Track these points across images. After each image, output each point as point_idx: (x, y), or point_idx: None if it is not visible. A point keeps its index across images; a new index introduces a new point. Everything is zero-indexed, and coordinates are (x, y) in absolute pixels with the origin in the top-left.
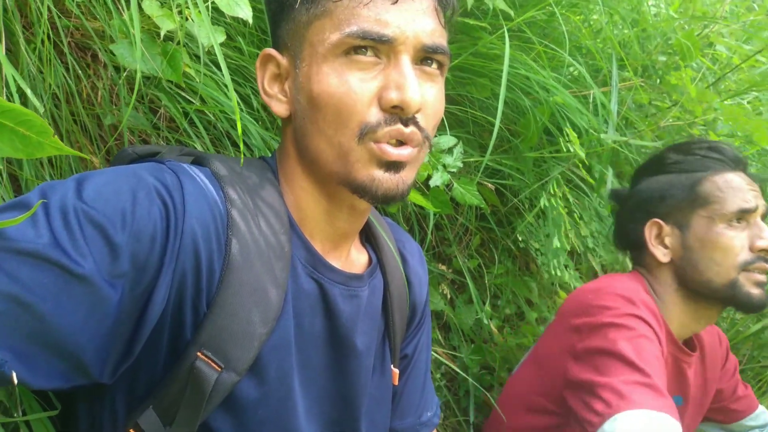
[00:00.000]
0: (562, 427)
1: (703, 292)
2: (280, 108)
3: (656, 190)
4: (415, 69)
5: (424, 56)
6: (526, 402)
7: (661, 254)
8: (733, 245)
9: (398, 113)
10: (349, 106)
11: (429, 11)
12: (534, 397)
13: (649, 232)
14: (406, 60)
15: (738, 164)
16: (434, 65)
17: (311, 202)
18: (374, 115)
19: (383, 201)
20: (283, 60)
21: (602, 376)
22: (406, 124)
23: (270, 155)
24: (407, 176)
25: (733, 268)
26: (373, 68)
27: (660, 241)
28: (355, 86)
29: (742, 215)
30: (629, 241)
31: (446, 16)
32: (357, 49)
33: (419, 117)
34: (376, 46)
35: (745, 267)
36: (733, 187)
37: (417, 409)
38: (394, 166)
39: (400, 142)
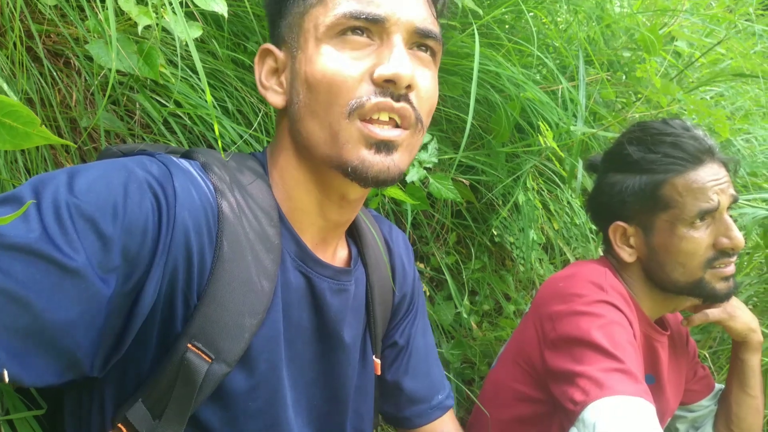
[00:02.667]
0: (549, 415)
1: (670, 288)
2: (276, 99)
3: (618, 193)
4: (408, 52)
5: (417, 40)
6: (510, 393)
7: (627, 255)
8: (697, 247)
9: (390, 87)
10: (339, 83)
11: (421, 1)
12: (518, 386)
13: (614, 233)
14: (398, 39)
15: (703, 156)
16: (427, 52)
17: (303, 193)
18: (364, 90)
19: (374, 184)
20: (280, 54)
21: (579, 365)
22: (397, 100)
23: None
24: (401, 160)
25: (698, 268)
26: (367, 48)
27: (625, 241)
28: (346, 63)
29: (705, 215)
30: (599, 231)
31: (437, 8)
32: (351, 30)
33: (412, 96)
34: (368, 26)
35: (710, 265)
36: (694, 189)
37: (427, 393)
38: (384, 146)
39: (394, 123)
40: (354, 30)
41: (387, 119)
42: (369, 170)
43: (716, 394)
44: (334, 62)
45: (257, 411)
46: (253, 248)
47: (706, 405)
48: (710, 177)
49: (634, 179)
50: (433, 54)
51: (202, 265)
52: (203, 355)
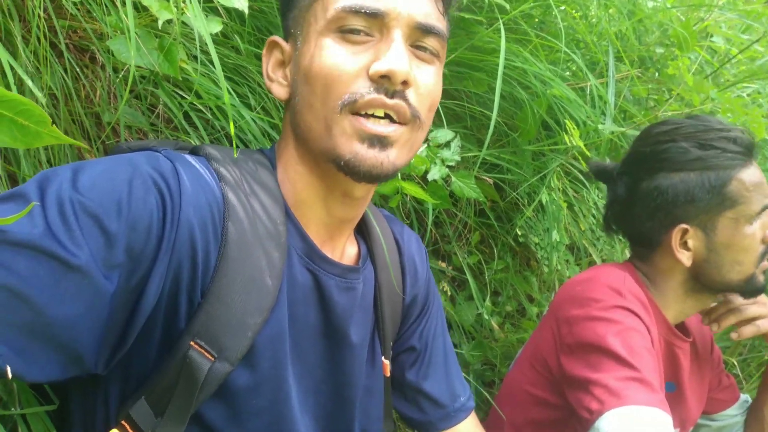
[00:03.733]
0: (564, 421)
1: (719, 288)
2: (280, 91)
3: (682, 193)
4: (408, 49)
5: (419, 36)
6: (525, 396)
7: (686, 258)
8: (755, 243)
9: (385, 83)
10: (334, 77)
11: None
12: (533, 390)
13: (676, 237)
14: (398, 34)
15: (753, 150)
16: (428, 52)
17: (307, 187)
18: (360, 85)
19: (367, 178)
20: (286, 46)
21: (594, 372)
22: (391, 96)
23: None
24: (397, 157)
25: (752, 264)
26: (366, 43)
27: (683, 245)
28: (344, 58)
29: (763, 210)
30: (640, 237)
31: (444, 3)
32: (350, 31)
33: (409, 93)
34: (368, 21)
35: (762, 260)
36: (757, 184)
37: (449, 396)
38: (378, 141)
39: (388, 117)
40: (354, 26)
41: (382, 115)
42: (362, 164)
43: (743, 405)
44: (332, 56)
45: (261, 409)
46: (259, 245)
47: (732, 415)
48: (760, 171)
49: (699, 177)
50: (436, 50)
51: (206, 262)
52: (206, 354)
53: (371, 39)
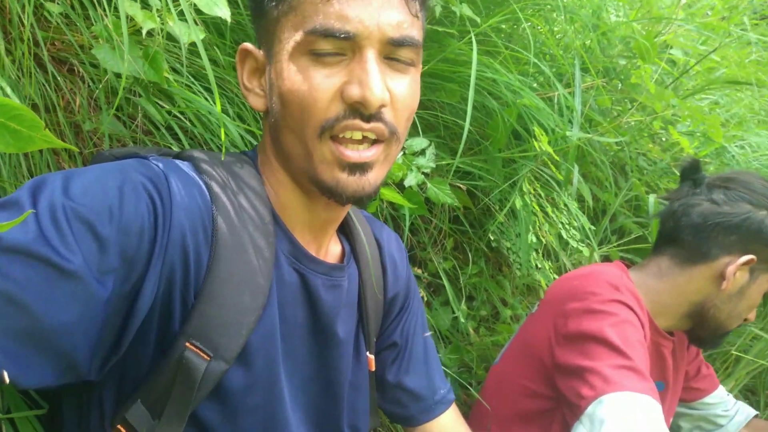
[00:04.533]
0: (551, 412)
1: (708, 326)
2: (257, 102)
3: (755, 223)
4: (382, 62)
5: (392, 51)
6: (514, 388)
7: (727, 283)
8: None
9: (360, 108)
10: (310, 104)
11: (395, 2)
12: (524, 381)
13: (739, 262)
14: (370, 55)
15: None
16: (402, 63)
17: (289, 194)
18: (335, 110)
19: (351, 202)
20: (259, 54)
21: (589, 360)
22: (367, 120)
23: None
24: (375, 177)
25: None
26: (338, 64)
27: (732, 272)
28: (317, 83)
29: None
30: (697, 244)
31: (416, 4)
32: (321, 54)
33: (385, 111)
34: (339, 43)
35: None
36: None
37: (429, 389)
38: (359, 168)
39: (366, 139)
40: (325, 50)
41: (360, 137)
42: (345, 191)
43: (723, 397)
44: (305, 81)
45: (255, 407)
46: (249, 245)
47: (710, 403)
48: None
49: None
50: (411, 60)
51: (198, 264)
52: (201, 353)
53: (343, 58)
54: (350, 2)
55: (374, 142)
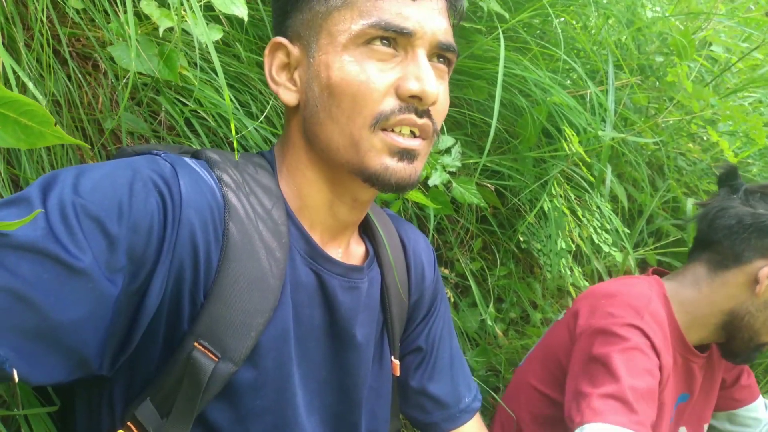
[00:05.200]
0: (563, 419)
1: (743, 338)
2: (289, 96)
3: None
4: (431, 66)
5: (437, 53)
6: (531, 392)
7: (759, 287)
8: None
9: (415, 103)
10: (365, 95)
11: (443, 11)
12: (541, 386)
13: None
14: (422, 54)
15: None
16: (444, 63)
17: (314, 192)
18: (389, 103)
19: (396, 189)
20: (294, 49)
21: (588, 385)
22: (420, 116)
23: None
24: (419, 167)
25: None
26: (392, 60)
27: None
28: (374, 75)
29: None
30: (732, 247)
31: (454, 20)
32: (379, 39)
33: (432, 109)
34: (395, 38)
35: None
36: None
37: (453, 397)
38: (407, 154)
39: (413, 134)
40: (382, 39)
41: (408, 132)
42: (392, 177)
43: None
44: (360, 73)
45: (264, 409)
46: (260, 246)
47: (745, 416)
48: None
49: None
50: (449, 64)
51: (208, 263)
52: (210, 354)
53: (396, 55)
54: (408, 4)
55: (414, 135)
